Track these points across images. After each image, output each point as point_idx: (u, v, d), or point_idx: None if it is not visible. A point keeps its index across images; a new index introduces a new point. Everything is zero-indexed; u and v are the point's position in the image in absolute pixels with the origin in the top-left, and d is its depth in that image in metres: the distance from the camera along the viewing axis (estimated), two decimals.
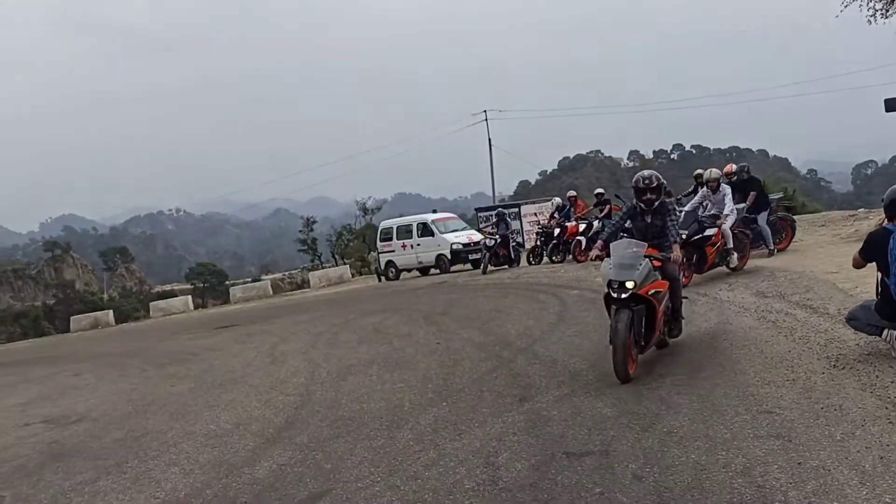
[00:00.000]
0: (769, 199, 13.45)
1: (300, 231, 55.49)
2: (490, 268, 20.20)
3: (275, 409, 7.15)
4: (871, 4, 17.21)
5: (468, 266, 23.52)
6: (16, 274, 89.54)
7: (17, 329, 60.22)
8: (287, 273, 77.58)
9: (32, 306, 73.48)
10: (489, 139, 49.50)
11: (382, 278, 26.55)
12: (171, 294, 59.87)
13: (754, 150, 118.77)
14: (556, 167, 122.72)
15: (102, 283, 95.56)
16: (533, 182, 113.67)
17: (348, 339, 11.05)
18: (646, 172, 7.16)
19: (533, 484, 4.28)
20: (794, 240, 14.36)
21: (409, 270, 25.98)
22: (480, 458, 4.84)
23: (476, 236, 24.25)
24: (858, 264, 5.94)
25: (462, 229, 25.56)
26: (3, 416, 9.21)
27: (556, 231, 19.13)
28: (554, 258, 18.95)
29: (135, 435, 7.00)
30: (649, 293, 6.34)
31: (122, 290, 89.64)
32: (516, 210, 31.50)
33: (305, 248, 53.96)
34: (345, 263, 42.91)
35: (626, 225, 7.39)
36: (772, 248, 13.06)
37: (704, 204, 11.75)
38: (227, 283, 74.85)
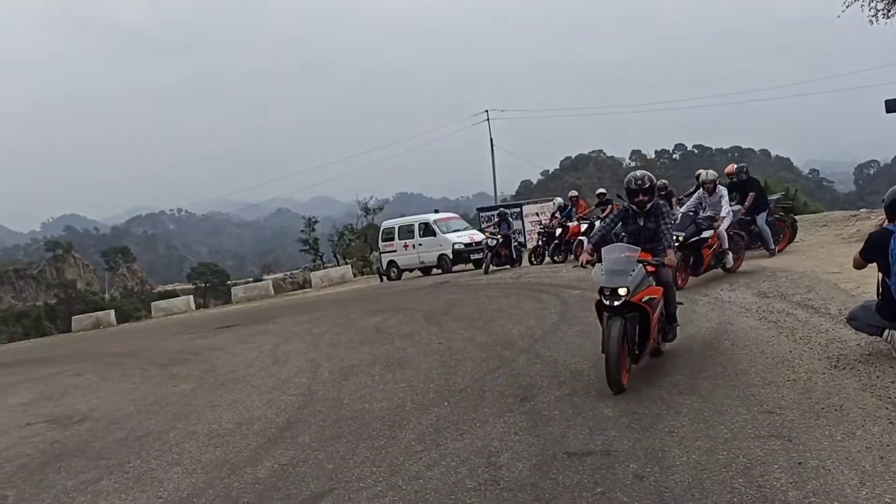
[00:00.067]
0: (768, 200, 13.44)
1: (302, 231, 55.41)
2: (492, 268, 20.22)
3: (277, 409, 7.16)
4: (872, 5, 17.24)
5: (470, 266, 23.53)
6: (17, 274, 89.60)
7: (19, 329, 60.24)
8: (289, 273, 77.57)
9: (34, 306, 73.51)
10: (491, 139, 49.54)
11: (384, 278, 26.57)
12: (173, 294, 59.94)
13: (756, 150, 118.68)
14: (557, 167, 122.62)
15: (104, 283, 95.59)
16: (535, 182, 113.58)
17: (350, 339, 11.07)
18: (638, 173, 6.87)
19: (534, 483, 4.29)
20: (795, 240, 14.37)
21: (410, 270, 26.00)
22: (482, 457, 4.86)
23: (478, 236, 24.27)
24: (859, 265, 5.94)
25: (464, 229, 25.57)
26: (6, 415, 9.23)
27: (558, 231, 19.15)
28: (556, 258, 18.97)
29: (137, 435, 7.01)
30: (643, 300, 6.07)
31: (123, 289, 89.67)
32: (518, 210, 31.52)
33: (307, 247, 53.88)
34: (346, 263, 42.94)
35: (618, 228, 7.13)
36: (772, 247, 13.06)
37: (702, 205, 11.71)
38: (228, 282, 74.86)
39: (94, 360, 14.19)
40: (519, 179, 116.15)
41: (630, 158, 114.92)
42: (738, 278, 10.88)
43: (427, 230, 25.09)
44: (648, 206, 6.72)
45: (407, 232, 25.89)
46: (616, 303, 5.94)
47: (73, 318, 34.89)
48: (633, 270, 6.08)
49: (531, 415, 5.68)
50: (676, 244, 10.62)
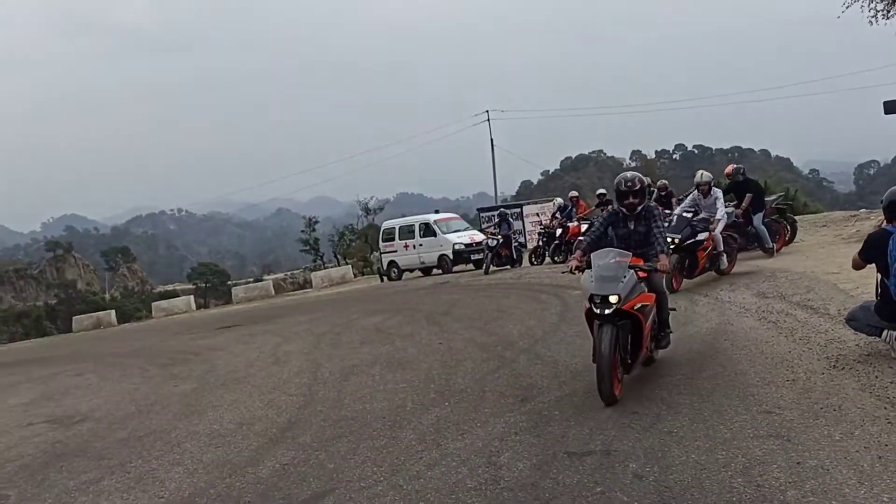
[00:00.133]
0: (765, 201, 13.44)
1: (302, 231, 55.43)
2: (492, 268, 20.25)
3: (278, 409, 7.18)
4: (871, 5, 17.26)
5: (470, 266, 23.56)
6: (17, 274, 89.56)
7: (19, 329, 60.25)
8: (289, 273, 77.55)
9: (34, 306, 73.52)
10: (491, 139, 49.59)
11: (385, 278, 26.60)
12: (174, 294, 59.94)
13: (756, 150, 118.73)
14: (558, 167, 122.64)
15: (104, 283, 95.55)
16: (535, 182, 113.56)
17: (351, 340, 11.09)
18: (628, 174, 6.62)
19: (534, 483, 4.31)
20: (795, 240, 14.38)
21: (411, 271, 26.03)
22: (482, 457, 4.88)
23: (478, 236, 24.32)
24: (858, 265, 5.96)
25: (464, 229, 25.62)
26: (7, 415, 9.25)
27: (558, 231, 19.18)
28: (556, 258, 18.99)
29: (138, 435, 7.04)
30: (635, 308, 5.79)
31: (123, 290, 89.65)
32: (518, 210, 31.56)
33: (307, 248, 53.91)
34: (347, 263, 42.97)
35: (608, 232, 6.79)
36: (770, 246, 13.04)
37: (697, 207, 11.60)
38: (229, 283, 74.89)
39: (95, 361, 14.21)
40: (519, 179, 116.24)
41: (630, 158, 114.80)
42: (738, 279, 10.89)
43: (427, 230, 25.12)
44: (639, 208, 6.45)
45: (407, 232, 25.92)
46: (607, 311, 5.68)
47: (74, 318, 34.90)
48: (625, 277, 5.83)
49: (531, 415, 5.70)
50: (672, 247, 10.61)
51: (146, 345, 16.06)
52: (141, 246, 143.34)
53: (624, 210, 6.48)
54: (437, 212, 30.47)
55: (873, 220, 15.34)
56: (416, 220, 27.05)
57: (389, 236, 26.78)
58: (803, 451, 4.20)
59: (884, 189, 5.88)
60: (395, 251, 26.15)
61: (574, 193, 20.99)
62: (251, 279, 74.09)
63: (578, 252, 6.45)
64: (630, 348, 5.87)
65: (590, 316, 5.86)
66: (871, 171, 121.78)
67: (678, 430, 4.85)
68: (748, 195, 12.92)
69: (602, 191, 19.73)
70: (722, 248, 11.21)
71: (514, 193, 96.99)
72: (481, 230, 27.14)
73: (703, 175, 11.87)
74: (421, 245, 25.19)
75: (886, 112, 14.57)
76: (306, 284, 44.03)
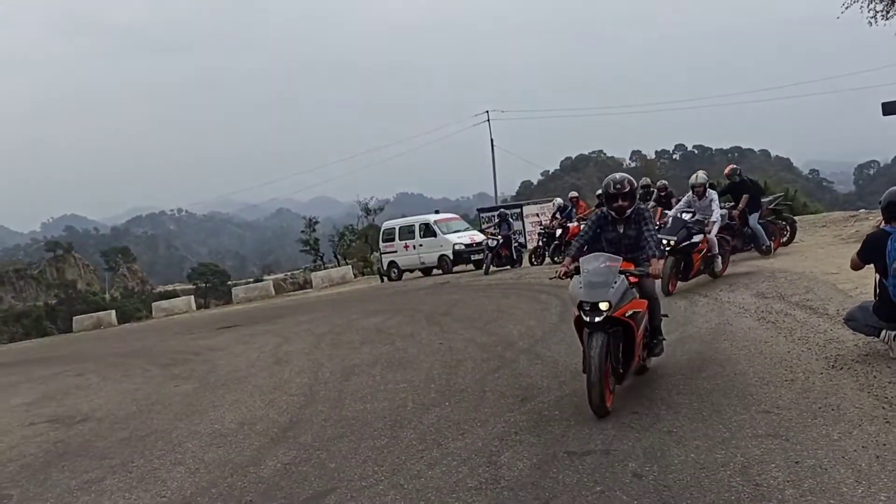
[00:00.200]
0: (761, 202, 13.44)
1: (302, 231, 55.47)
2: (492, 268, 20.27)
3: (279, 409, 7.21)
4: (871, 6, 17.29)
5: (470, 267, 23.59)
6: (17, 274, 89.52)
7: (20, 329, 60.28)
8: (289, 273, 77.59)
9: (34, 306, 73.51)
10: (491, 139, 49.63)
11: (385, 279, 26.64)
12: (174, 294, 59.96)
13: (756, 150, 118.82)
14: (558, 167, 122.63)
15: (104, 283, 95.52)
16: (535, 182, 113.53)
17: (351, 340, 11.11)
18: (617, 176, 6.33)
19: (535, 482, 4.34)
20: (794, 240, 14.40)
21: (411, 271, 26.07)
22: (483, 457, 4.91)
23: (478, 237, 24.37)
24: (856, 266, 5.99)
25: (464, 230, 25.67)
26: (8, 415, 9.26)
27: (558, 232, 19.19)
28: (556, 259, 19.01)
29: (140, 434, 7.06)
30: (626, 314, 5.54)
31: (123, 290, 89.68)
32: (518, 211, 31.59)
33: (307, 248, 53.97)
34: (347, 264, 43.01)
35: (598, 236, 6.50)
36: (767, 244, 13.04)
37: (691, 209, 11.43)
38: (229, 283, 74.93)
39: (96, 361, 14.24)
40: (519, 180, 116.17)
41: (630, 159, 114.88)
42: (738, 279, 10.91)
43: (428, 231, 25.15)
44: (629, 212, 6.16)
45: (408, 232, 25.96)
46: (597, 318, 5.42)
47: (75, 318, 34.92)
48: (615, 282, 5.55)
49: (531, 414, 5.73)
50: (668, 248, 10.55)
51: (147, 345, 16.08)
52: (141, 246, 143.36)
53: (613, 213, 6.21)
54: (437, 212, 30.50)
55: (872, 220, 15.37)
56: (416, 220, 27.09)
57: (389, 237, 26.81)
58: (801, 450, 4.23)
59: (883, 189, 5.90)
60: (396, 251, 26.18)
61: (574, 194, 21.01)
62: (251, 279, 74.11)
63: (568, 259, 6.13)
64: (622, 357, 5.64)
65: (579, 324, 5.61)
66: (871, 172, 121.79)
67: (677, 429, 4.88)
68: (745, 196, 12.92)
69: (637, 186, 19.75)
70: (717, 251, 11.17)
71: (514, 194, 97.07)
72: (481, 230, 27.18)
73: (698, 177, 11.79)
74: (421, 245, 25.22)
75: (885, 113, 14.59)
76: (306, 285, 44.08)
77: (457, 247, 23.93)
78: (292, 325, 14.55)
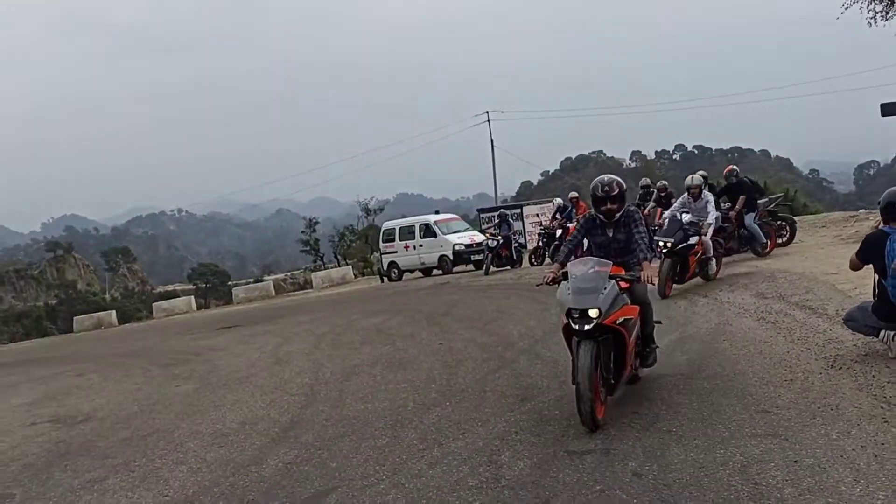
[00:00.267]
0: (757, 204, 13.45)
1: (302, 232, 55.54)
2: (492, 269, 20.30)
3: (280, 409, 7.23)
4: (871, 7, 17.32)
5: (470, 267, 23.62)
6: (18, 274, 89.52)
7: (20, 329, 60.33)
8: (289, 273, 77.66)
9: (34, 306, 73.56)
10: (491, 139, 49.68)
11: (385, 279, 26.66)
12: (174, 294, 59.97)
13: (756, 150, 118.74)
14: (558, 167, 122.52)
15: (104, 284, 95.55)
16: (535, 182, 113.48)
17: (351, 340, 11.13)
18: (605, 178, 6.00)
19: (535, 481, 4.36)
20: (795, 241, 14.41)
21: (411, 271, 26.09)
22: (483, 456, 4.93)
23: (478, 237, 24.39)
24: (855, 266, 6.01)
25: (464, 230, 25.70)
26: (10, 415, 9.28)
27: (558, 232, 19.19)
28: (556, 259, 19.00)
29: (141, 434, 7.08)
30: (617, 322, 5.29)
31: (124, 290, 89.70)
32: (518, 211, 31.62)
33: (308, 248, 54.04)
34: (347, 264, 43.03)
35: (585, 240, 6.29)
36: (763, 242, 13.05)
37: (683, 211, 11.39)
38: (229, 283, 74.96)
39: (97, 361, 14.25)
40: (519, 180, 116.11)
41: (630, 159, 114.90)
42: (738, 279, 10.93)
43: (428, 231, 25.18)
44: (618, 215, 5.89)
45: (408, 233, 25.99)
46: (587, 326, 5.17)
47: (75, 318, 34.94)
48: (605, 288, 5.29)
49: (532, 414, 5.75)
50: (665, 250, 10.55)
51: (147, 345, 16.10)
52: (141, 246, 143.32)
53: (601, 217, 5.95)
54: (437, 212, 30.54)
55: (872, 220, 15.39)
56: (416, 220, 27.12)
57: (390, 237, 26.84)
58: (800, 449, 4.25)
59: (883, 189, 5.92)
60: (396, 252, 26.21)
61: (574, 194, 21.00)
62: (251, 280, 74.12)
63: (556, 265, 5.92)
64: (613, 366, 5.40)
65: (568, 332, 5.37)
66: (871, 172, 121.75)
67: (677, 429, 4.91)
68: (741, 197, 12.93)
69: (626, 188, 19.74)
70: (711, 254, 11.13)
71: (514, 194, 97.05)
72: (481, 231, 27.19)
73: (693, 178, 11.78)
74: (421, 246, 25.25)
75: (884, 114, 14.58)
76: (307, 285, 44.12)
77: (457, 247, 23.96)
78: (293, 326, 14.57)
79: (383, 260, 27.05)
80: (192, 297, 39.01)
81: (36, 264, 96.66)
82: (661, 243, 10.63)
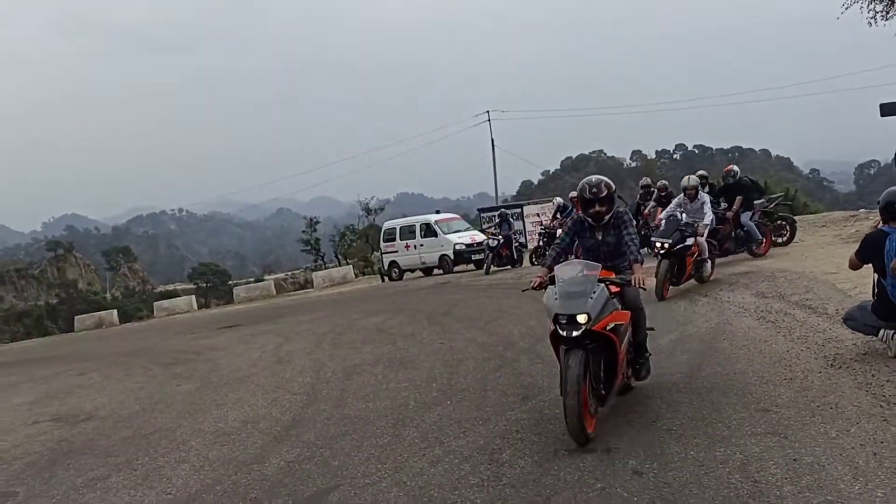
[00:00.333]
0: (754, 204, 13.46)
1: (303, 231, 55.59)
2: (493, 268, 20.32)
3: (282, 408, 7.25)
4: (871, 6, 17.33)
5: (471, 266, 23.63)
6: (18, 273, 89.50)
7: (21, 328, 60.36)
8: (290, 273, 77.65)
9: (35, 306, 73.59)
10: (492, 139, 49.68)
11: (386, 278, 26.68)
12: (175, 294, 60.02)
13: (756, 149, 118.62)
14: (558, 167, 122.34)
15: (105, 283, 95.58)
16: (536, 182, 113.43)
17: (352, 339, 11.16)
18: (593, 179, 5.75)
19: (536, 479, 4.39)
20: (795, 240, 14.41)
21: (412, 271, 26.11)
22: (485, 454, 4.96)
23: (479, 237, 24.42)
24: (854, 266, 6.03)
25: (465, 230, 25.73)
26: (12, 414, 9.31)
27: (559, 231, 19.18)
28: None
29: (143, 433, 7.10)
30: (607, 328, 5.00)
31: (124, 289, 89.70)
32: (519, 210, 31.63)
33: (308, 248, 54.08)
34: (348, 263, 43.07)
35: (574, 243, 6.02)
36: (759, 238, 13.06)
37: (680, 211, 11.39)
38: (230, 282, 74.99)
39: (98, 360, 14.27)
40: (520, 179, 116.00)
41: (631, 158, 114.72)
42: (738, 279, 10.94)
43: (428, 231, 25.20)
44: (607, 217, 5.64)
45: (408, 232, 26.01)
46: (575, 333, 4.87)
47: (76, 317, 34.96)
48: (594, 292, 5.00)
49: (532, 413, 5.77)
50: (662, 251, 10.50)
51: (148, 344, 16.12)
52: (142, 246, 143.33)
53: (590, 220, 5.71)
54: (437, 212, 30.55)
55: (872, 220, 15.40)
56: (417, 220, 27.14)
57: (390, 236, 26.86)
58: (800, 447, 4.28)
59: (884, 189, 5.94)
60: (397, 251, 26.23)
61: (574, 194, 21.02)
62: (252, 279, 74.15)
63: (544, 270, 5.62)
64: (603, 376, 5.11)
65: (555, 339, 5.07)
66: (872, 171, 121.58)
67: (677, 427, 4.93)
68: (738, 198, 12.95)
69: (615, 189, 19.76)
70: (706, 255, 11.10)
71: (514, 193, 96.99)
72: (482, 230, 27.23)
73: (690, 179, 11.76)
74: (422, 245, 25.27)
75: (883, 114, 14.58)
76: (307, 284, 44.12)
77: (457, 247, 23.98)
78: (293, 325, 14.59)
79: (384, 259, 27.07)
80: (193, 296, 39.03)
81: (37, 263, 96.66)
82: (658, 244, 10.61)
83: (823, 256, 12.07)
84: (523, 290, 6.17)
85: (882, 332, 5.78)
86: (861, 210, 21.77)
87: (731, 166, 14.07)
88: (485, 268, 20.48)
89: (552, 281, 5.31)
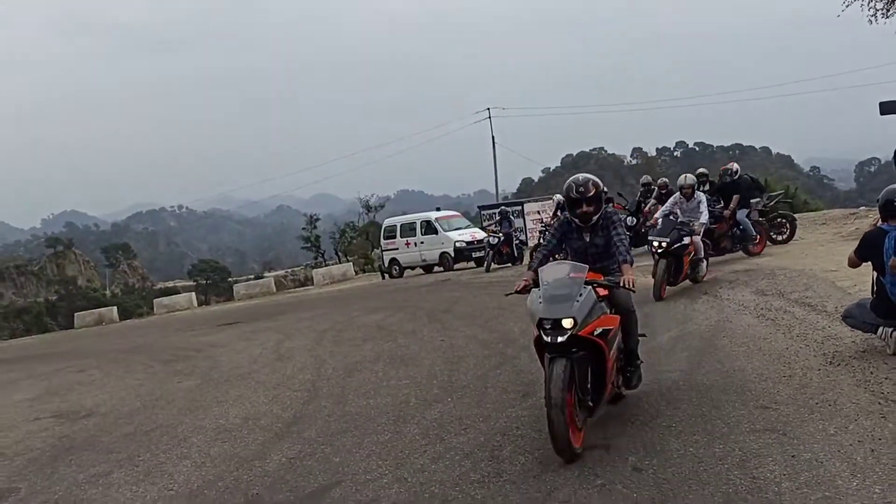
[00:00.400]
0: (750, 203, 13.46)
1: (303, 228, 55.62)
2: (493, 266, 20.35)
3: (283, 405, 7.28)
4: (871, 4, 17.35)
5: (471, 264, 23.67)
6: (18, 270, 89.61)
7: (20, 325, 60.43)
8: (290, 270, 77.73)
9: (35, 302, 73.71)
10: (492, 136, 49.70)
11: (386, 276, 26.70)
12: (174, 291, 60.06)
13: (757, 147, 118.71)
14: (559, 164, 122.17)
15: (105, 280, 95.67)
16: (536, 179, 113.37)
17: (353, 337, 11.18)
18: (580, 178, 5.47)
19: (536, 476, 4.41)
20: (795, 238, 14.42)
21: (412, 268, 26.14)
22: (485, 451, 4.98)
23: (479, 234, 24.44)
24: (854, 263, 6.05)
25: (465, 227, 25.76)
26: (13, 411, 9.33)
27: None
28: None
29: (144, 429, 7.13)
30: (595, 333, 4.68)
31: (124, 286, 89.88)
32: (519, 208, 31.59)
33: (308, 245, 54.11)
34: (348, 261, 43.06)
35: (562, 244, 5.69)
36: (753, 235, 13.07)
37: (675, 211, 11.28)
38: (230, 279, 75.05)
39: (98, 357, 14.29)
40: (520, 177, 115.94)
41: (631, 156, 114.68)
42: (738, 277, 10.94)
43: (429, 228, 25.22)
44: (595, 218, 5.36)
45: (409, 230, 26.03)
46: (560, 338, 4.58)
47: (76, 314, 35.04)
48: (581, 294, 4.71)
49: (533, 410, 5.78)
50: (660, 251, 10.40)
51: (148, 341, 16.14)
52: (141, 242, 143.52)
53: (577, 221, 5.41)
54: (438, 209, 30.53)
55: (872, 218, 15.41)
56: (417, 217, 27.14)
57: (391, 234, 26.88)
58: (798, 444, 4.30)
59: (884, 187, 5.96)
60: (397, 248, 26.25)
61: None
62: (252, 276, 74.17)
63: (530, 273, 5.30)
64: (591, 386, 4.78)
65: (539, 346, 4.81)
66: (872, 169, 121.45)
67: (676, 424, 4.95)
68: (735, 196, 12.95)
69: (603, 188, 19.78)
70: (702, 255, 11.02)
71: (515, 191, 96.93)
72: (482, 228, 27.22)
73: (686, 178, 11.70)
74: (422, 242, 25.29)
75: (882, 113, 14.57)
76: (307, 281, 44.11)
77: (458, 244, 24.01)
78: (294, 322, 14.61)
79: (384, 257, 27.09)
80: (193, 293, 39.10)
81: (36, 260, 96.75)
82: (655, 243, 10.57)
83: (823, 254, 12.08)
84: (506, 295, 5.79)
85: (881, 329, 5.80)
86: (861, 208, 21.78)
87: (730, 164, 14.08)
88: (485, 265, 20.51)
89: (537, 284, 5.05)
